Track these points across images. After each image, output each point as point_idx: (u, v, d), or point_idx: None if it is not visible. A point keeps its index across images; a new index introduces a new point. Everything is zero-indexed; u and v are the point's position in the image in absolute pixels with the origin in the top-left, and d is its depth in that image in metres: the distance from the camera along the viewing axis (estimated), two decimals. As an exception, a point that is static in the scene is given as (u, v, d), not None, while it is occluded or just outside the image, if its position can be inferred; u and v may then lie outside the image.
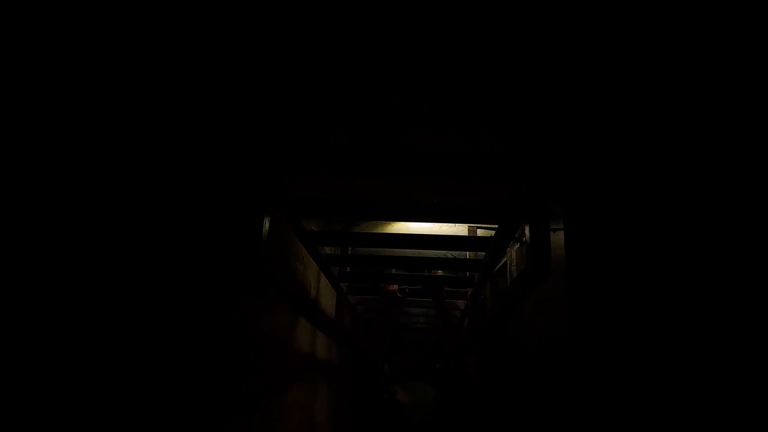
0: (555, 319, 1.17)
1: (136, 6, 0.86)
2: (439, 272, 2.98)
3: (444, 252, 3.01)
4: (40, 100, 0.70)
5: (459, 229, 2.83)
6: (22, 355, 0.68)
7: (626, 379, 0.97)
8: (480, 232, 2.75)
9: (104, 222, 0.83)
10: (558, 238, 1.15)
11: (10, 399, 0.66)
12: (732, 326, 0.94)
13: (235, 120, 1.28)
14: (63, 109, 0.74)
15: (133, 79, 0.90)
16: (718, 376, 0.92)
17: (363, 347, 2.24)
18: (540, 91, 1.12)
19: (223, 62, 1.07)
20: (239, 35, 0.98)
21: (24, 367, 0.68)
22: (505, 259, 2.78)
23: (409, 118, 1.26)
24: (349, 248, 3.12)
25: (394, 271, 3.29)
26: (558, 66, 1.03)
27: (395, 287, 2.65)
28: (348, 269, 3.07)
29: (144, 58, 0.92)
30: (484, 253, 2.28)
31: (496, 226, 1.71)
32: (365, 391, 2.13)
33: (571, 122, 1.18)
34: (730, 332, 0.94)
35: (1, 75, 0.65)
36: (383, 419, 2.08)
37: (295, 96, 1.19)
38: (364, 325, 3.47)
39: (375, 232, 2.81)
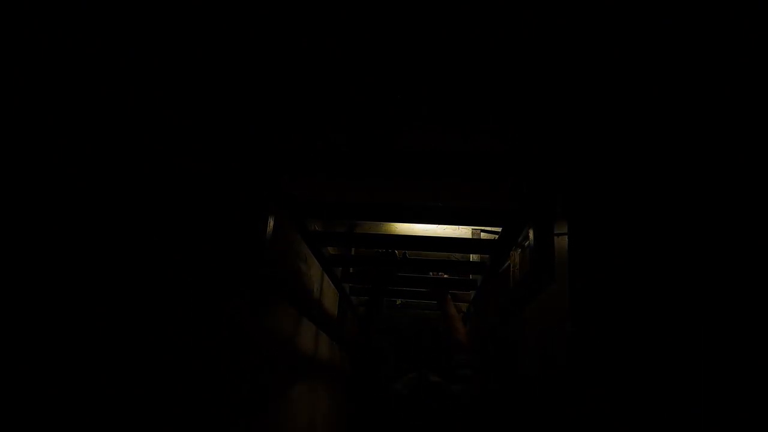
0: (556, 320, 1.16)
1: (135, 6, 0.87)
2: (444, 275, 2.97)
3: (447, 254, 3.00)
4: (40, 100, 0.71)
5: (463, 232, 2.82)
6: (22, 355, 0.68)
7: (626, 379, 0.97)
8: (484, 235, 2.74)
9: (104, 222, 0.84)
10: (561, 240, 1.15)
11: (11, 398, 0.66)
12: (731, 327, 0.94)
13: (235, 120, 1.28)
14: (63, 109, 0.75)
15: (133, 80, 0.90)
16: (718, 376, 0.92)
17: (362, 343, 2.23)
18: (540, 91, 1.11)
19: (223, 62, 1.07)
20: (239, 35, 0.99)
21: (24, 367, 0.69)
22: (508, 263, 2.76)
23: (409, 118, 1.26)
24: (353, 249, 3.12)
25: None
26: (558, 66, 1.03)
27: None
28: (351, 270, 3.07)
29: (144, 59, 0.92)
30: (487, 256, 2.28)
31: (500, 229, 1.70)
32: (364, 393, 2.12)
33: (571, 122, 1.17)
34: (729, 333, 0.94)
35: (2, 75, 0.66)
36: (380, 422, 2.07)
37: (295, 96, 1.19)
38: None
39: (379, 233, 2.80)
